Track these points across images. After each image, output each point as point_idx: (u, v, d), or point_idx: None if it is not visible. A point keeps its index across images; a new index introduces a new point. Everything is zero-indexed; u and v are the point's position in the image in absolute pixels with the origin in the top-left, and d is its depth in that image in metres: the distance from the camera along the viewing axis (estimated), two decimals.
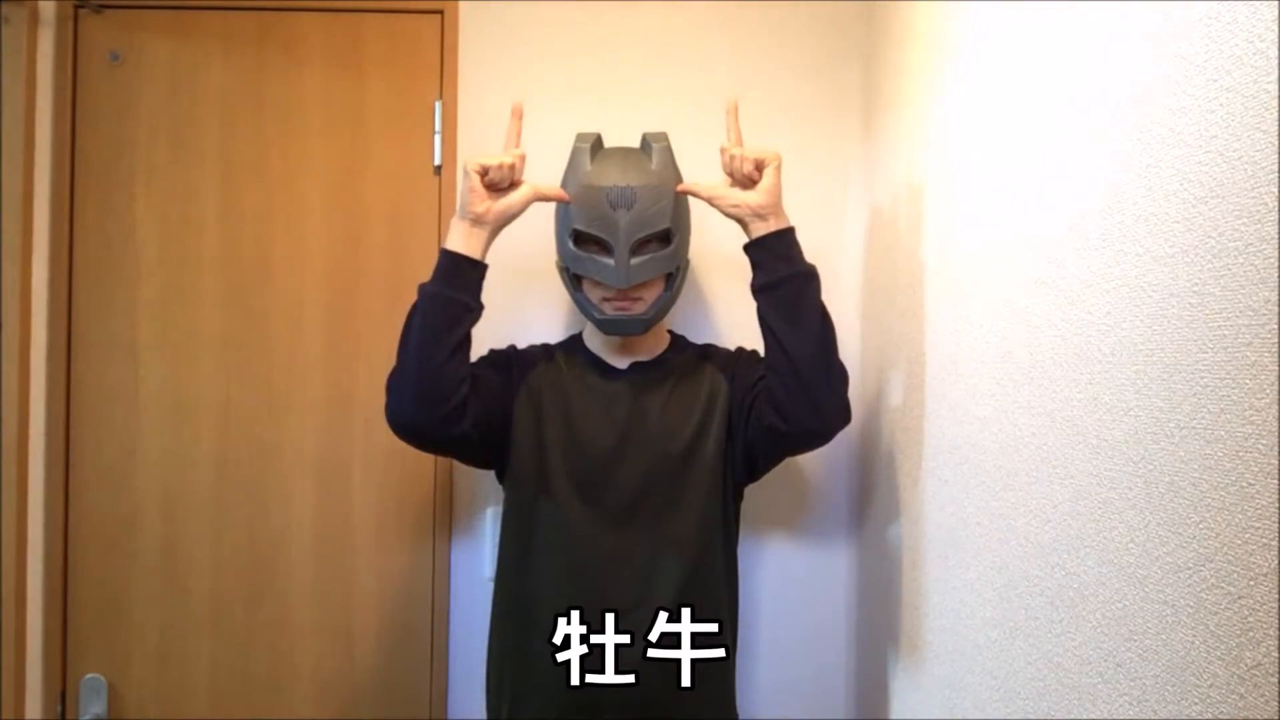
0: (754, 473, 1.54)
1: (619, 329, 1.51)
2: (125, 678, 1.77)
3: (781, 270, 1.39)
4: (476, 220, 1.38)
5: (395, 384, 1.39)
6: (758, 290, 1.41)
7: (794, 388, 1.37)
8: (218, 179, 1.80)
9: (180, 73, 1.80)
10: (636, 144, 1.58)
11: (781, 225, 1.40)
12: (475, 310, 1.41)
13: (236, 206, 1.80)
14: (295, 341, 1.80)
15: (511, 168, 1.38)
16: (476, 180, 1.37)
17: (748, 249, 1.42)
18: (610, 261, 1.46)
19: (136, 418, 1.78)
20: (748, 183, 1.40)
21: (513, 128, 1.42)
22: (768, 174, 1.39)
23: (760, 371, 1.46)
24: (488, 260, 1.41)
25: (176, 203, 1.79)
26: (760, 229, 1.40)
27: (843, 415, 1.42)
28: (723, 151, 1.42)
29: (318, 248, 1.80)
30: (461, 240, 1.38)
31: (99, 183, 1.79)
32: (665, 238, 1.49)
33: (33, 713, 1.74)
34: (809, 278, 1.40)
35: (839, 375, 1.40)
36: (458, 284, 1.38)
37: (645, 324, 1.51)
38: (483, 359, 1.56)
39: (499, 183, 1.39)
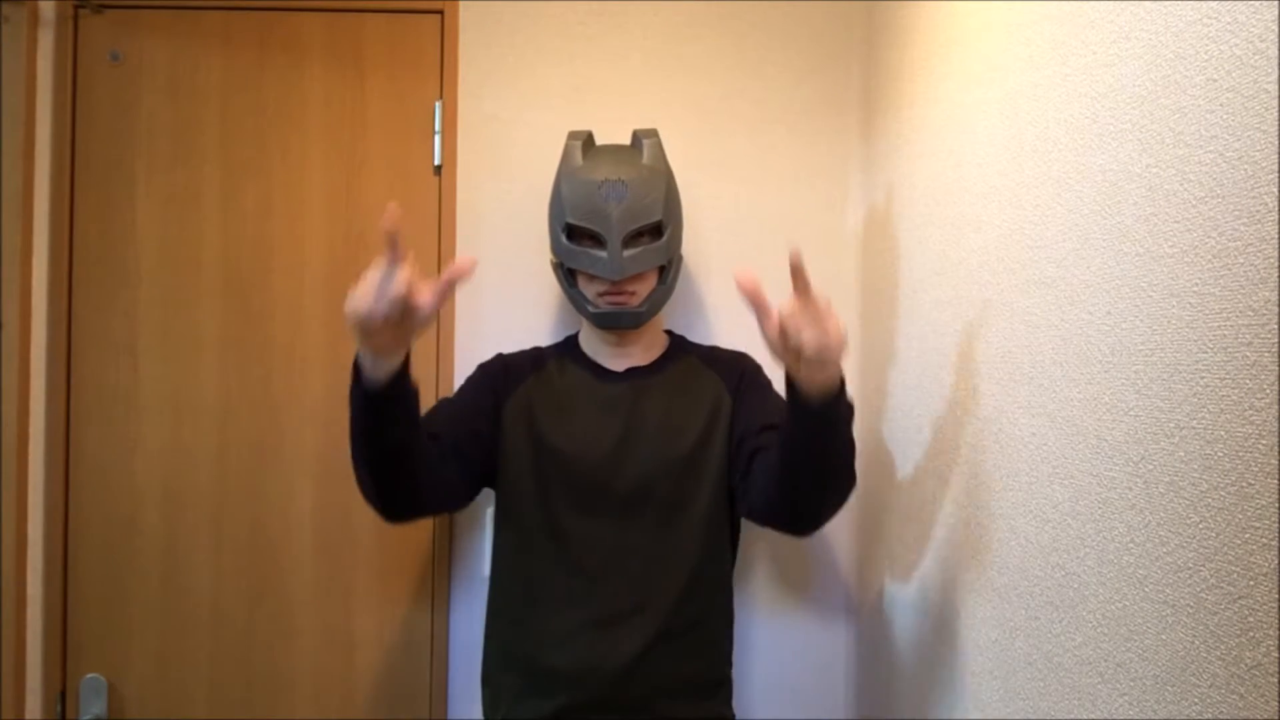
0: None
1: (614, 322, 1.50)
2: (125, 678, 1.77)
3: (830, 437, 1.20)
4: (380, 352, 1.16)
5: (366, 495, 1.36)
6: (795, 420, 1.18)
7: (783, 509, 1.29)
8: (218, 179, 1.80)
9: (180, 73, 1.80)
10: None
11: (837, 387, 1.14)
12: (415, 429, 1.26)
13: (236, 206, 1.80)
14: (295, 341, 1.80)
15: (400, 298, 1.08)
16: (365, 334, 1.12)
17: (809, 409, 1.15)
18: (603, 254, 1.46)
19: (136, 418, 1.78)
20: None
21: (389, 241, 1.08)
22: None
23: (766, 417, 1.40)
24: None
25: (176, 203, 1.79)
26: (821, 383, 1.11)
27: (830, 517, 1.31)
28: (788, 315, 1.07)
29: (318, 248, 1.80)
30: (372, 369, 1.18)
31: (99, 183, 1.79)
32: (657, 230, 1.49)
33: (33, 713, 1.74)
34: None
35: (844, 490, 1.27)
36: (385, 418, 1.23)
37: (640, 317, 1.50)
38: (463, 388, 1.55)
39: (391, 316, 1.09)
